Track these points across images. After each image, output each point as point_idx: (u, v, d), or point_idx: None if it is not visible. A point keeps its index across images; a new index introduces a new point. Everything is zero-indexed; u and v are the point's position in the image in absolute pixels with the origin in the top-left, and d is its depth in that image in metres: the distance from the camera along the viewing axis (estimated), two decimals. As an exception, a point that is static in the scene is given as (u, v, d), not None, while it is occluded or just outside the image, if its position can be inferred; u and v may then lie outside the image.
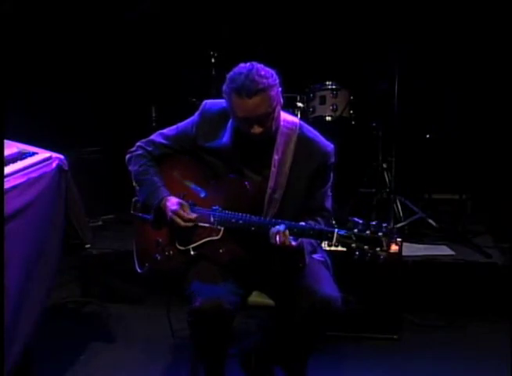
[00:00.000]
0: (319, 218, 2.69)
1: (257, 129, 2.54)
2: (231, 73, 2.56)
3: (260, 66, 2.55)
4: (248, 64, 2.56)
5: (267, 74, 2.53)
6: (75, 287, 4.20)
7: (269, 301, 2.75)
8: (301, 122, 2.74)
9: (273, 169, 2.65)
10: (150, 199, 2.71)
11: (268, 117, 2.54)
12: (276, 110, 2.57)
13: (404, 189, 4.64)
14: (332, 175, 2.74)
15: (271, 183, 2.64)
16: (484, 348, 3.56)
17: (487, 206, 4.91)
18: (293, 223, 2.52)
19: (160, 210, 2.68)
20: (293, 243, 2.51)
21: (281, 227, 2.49)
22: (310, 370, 2.80)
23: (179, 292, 2.67)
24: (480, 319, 3.81)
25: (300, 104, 4.61)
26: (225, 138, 2.69)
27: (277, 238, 2.48)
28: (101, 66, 5.09)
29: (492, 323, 3.77)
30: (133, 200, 2.83)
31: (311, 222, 2.63)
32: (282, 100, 2.61)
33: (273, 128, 2.61)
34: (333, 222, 4.05)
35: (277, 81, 2.56)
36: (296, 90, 4.58)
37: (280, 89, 2.58)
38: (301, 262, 2.62)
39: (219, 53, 4.84)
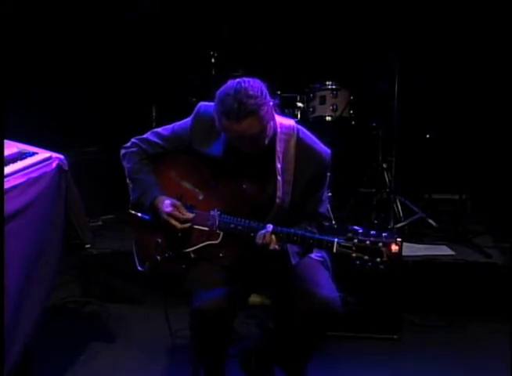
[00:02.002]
0: (311, 224, 2.65)
1: (248, 148, 2.51)
2: (219, 91, 2.46)
3: (248, 84, 2.43)
4: (236, 83, 2.44)
5: (256, 92, 2.41)
6: (75, 287, 4.20)
7: (269, 302, 2.75)
8: (297, 126, 2.67)
9: (278, 178, 2.59)
10: (142, 198, 2.69)
11: (260, 136, 2.48)
12: (268, 127, 2.49)
13: (404, 189, 4.64)
14: (327, 179, 2.69)
15: (279, 193, 2.58)
16: (484, 348, 3.56)
17: (487, 206, 4.91)
18: (292, 231, 2.49)
19: (154, 210, 2.66)
20: (276, 247, 2.49)
21: (269, 228, 2.47)
22: (310, 370, 2.80)
23: (179, 293, 2.67)
24: (480, 319, 3.81)
25: (300, 104, 4.60)
26: (218, 147, 2.63)
27: (261, 239, 2.47)
28: (101, 66, 5.09)
29: (492, 323, 3.76)
30: (131, 198, 2.81)
31: (308, 228, 2.60)
32: (274, 114, 2.53)
33: (266, 142, 2.53)
34: (333, 222, 4.06)
35: (267, 97, 2.46)
36: (296, 90, 4.57)
37: (272, 103, 2.48)
38: (286, 261, 2.59)
39: (219, 53, 4.84)
